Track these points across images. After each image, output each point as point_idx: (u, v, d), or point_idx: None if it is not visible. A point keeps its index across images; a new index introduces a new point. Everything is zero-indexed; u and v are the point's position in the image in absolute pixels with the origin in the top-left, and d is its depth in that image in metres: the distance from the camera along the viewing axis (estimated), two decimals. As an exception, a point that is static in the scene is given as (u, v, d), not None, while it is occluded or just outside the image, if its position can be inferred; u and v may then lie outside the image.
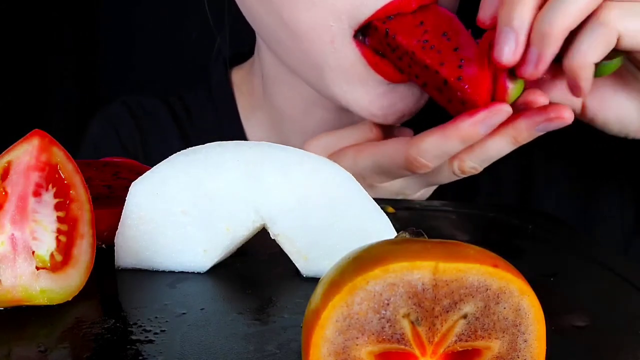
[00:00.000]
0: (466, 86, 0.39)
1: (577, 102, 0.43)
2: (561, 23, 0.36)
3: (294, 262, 0.32)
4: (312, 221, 0.32)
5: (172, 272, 0.33)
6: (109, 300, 0.30)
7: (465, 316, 0.20)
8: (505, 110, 0.39)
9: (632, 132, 0.44)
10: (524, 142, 0.42)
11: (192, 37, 0.60)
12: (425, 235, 0.23)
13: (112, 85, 0.92)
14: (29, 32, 0.88)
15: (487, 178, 0.50)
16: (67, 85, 0.92)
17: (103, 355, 0.24)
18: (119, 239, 0.32)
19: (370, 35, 0.44)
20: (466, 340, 0.20)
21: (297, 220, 0.32)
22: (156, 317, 0.27)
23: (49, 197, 0.29)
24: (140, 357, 0.24)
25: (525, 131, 0.41)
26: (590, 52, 0.37)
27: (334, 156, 0.48)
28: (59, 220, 0.29)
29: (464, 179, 0.48)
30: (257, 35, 0.58)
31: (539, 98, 0.41)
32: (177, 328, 0.27)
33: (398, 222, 0.32)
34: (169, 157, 0.32)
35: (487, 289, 0.20)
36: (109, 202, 0.35)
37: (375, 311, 0.20)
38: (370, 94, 0.46)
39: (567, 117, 0.40)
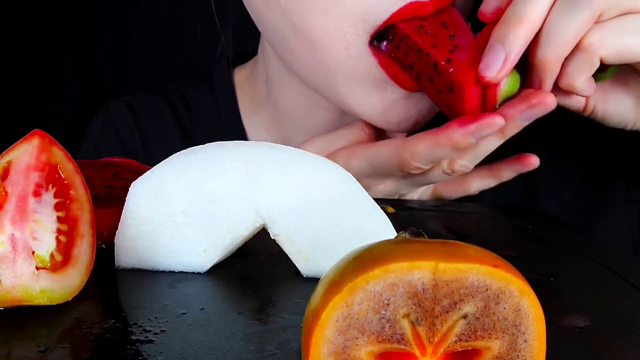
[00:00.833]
0: (451, 69, 0.39)
1: (580, 98, 0.43)
2: (557, 54, 0.38)
3: (294, 262, 0.32)
4: (312, 221, 0.32)
5: (172, 272, 0.33)
6: (109, 300, 0.30)
7: (465, 316, 0.20)
8: (497, 121, 0.39)
9: (630, 123, 0.45)
10: (511, 134, 0.42)
11: (198, 34, 0.60)
12: (425, 235, 0.23)
13: (112, 85, 0.92)
14: (29, 32, 0.88)
15: None
16: (67, 85, 0.92)
17: (103, 355, 0.24)
18: (119, 239, 0.32)
19: (387, 40, 0.43)
20: (466, 340, 0.20)
21: (297, 220, 0.32)
22: (156, 317, 0.27)
23: (49, 197, 0.29)
24: (140, 357, 0.24)
25: (510, 124, 0.41)
26: (575, 75, 0.39)
27: (327, 158, 0.48)
28: (59, 220, 0.29)
29: None
30: (262, 37, 0.58)
31: (547, 98, 0.40)
32: (177, 328, 0.27)
33: (398, 222, 0.32)
34: (169, 157, 0.32)
35: (487, 289, 0.20)
36: (109, 202, 0.35)
37: (375, 311, 0.20)
38: (386, 100, 0.45)
39: (550, 102, 0.40)
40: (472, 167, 0.45)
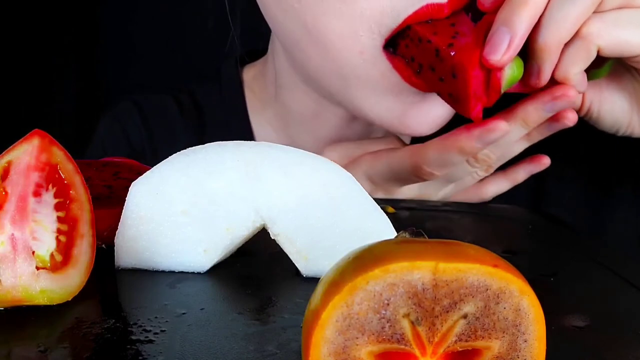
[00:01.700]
0: (453, 53, 0.39)
1: (577, 97, 0.44)
2: (557, 38, 0.38)
3: (294, 262, 0.32)
4: (312, 221, 0.32)
5: (172, 272, 0.33)
6: (109, 300, 0.30)
7: (465, 316, 0.20)
8: (501, 126, 0.40)
9: (623, 126, 0.45)
10: (534, 125, 0.43)
11: (208, 27, 0.59)
12: (425, 235, 0.23)
13: (112, 85, 0.92)
14: (30, 32, 0.88)
15: None
16: (67, 85, 0.92)
17: (103, 355, 0.24)
18: (119, 239, 0.32)
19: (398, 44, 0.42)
20: (466, 340, 0.20)
21: (297, 220, 0.32)
22: (156, 317, 0.27)
23: (49, 197, 0.29)
24: (140, 357, 0.24)
25: (533, 112, 0.42)
26: (571, 65, 0.39)
27: (352, 163, 0.48)
28: (59, 220, 0.29)
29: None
30: (272, 36, 0.58)
31: (570, 91, 0.41)
32: (177, 328, 0.27)
33: (398, 222, 0.32)
34: (169, 157, 0.32)
35: (487, 289, 0.20)
36: (109, 202, 0.35)
37: (375, 311, 0.20)
38: (401, 104, 0.45)
39: (572, 95, 0.41)
40: (495, 158, 0.45)
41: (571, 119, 0.43)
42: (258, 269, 0.34)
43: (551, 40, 0.38)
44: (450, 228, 0.43)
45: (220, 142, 0.32)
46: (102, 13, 0.91)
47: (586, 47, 0.38)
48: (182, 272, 0.33)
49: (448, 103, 0.42)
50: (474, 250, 0.21)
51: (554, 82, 0.41)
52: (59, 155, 0.30)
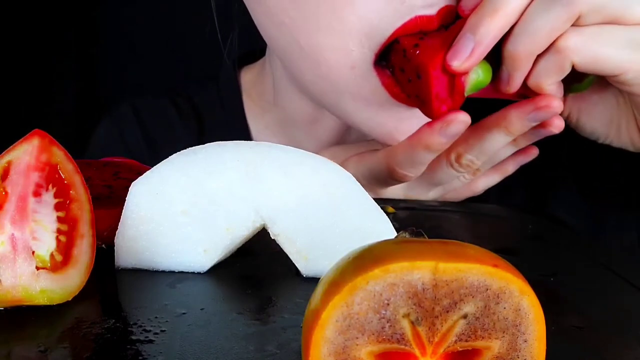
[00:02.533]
0: (417, 52, 0.39)
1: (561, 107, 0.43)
2: (528, 49, 0.38)
3: (294, 262, 0.32)
4: (312, 221, 0.32)
5: (172, 272, 0.33)
6: (109, 300, 0.30)
7: (465, 316, 0.20)
8: (460, 117, 0.39)
9: (602, 137, 0.45)
10: (518, 134, 0.42)
11: (206, 30, 0.59)
12: (425, 235, 0.23)
13: (112, 85, 0.92)
14: (29, 32, 0.88)
15: (497, 186, 0.51)
16: (67, 85, 0.92)
17: (103, 355, 0.24)
18: (119, 239, 0.32)
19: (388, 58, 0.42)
20: (466, 340, 0.20)
21: (297, 220, 0.32)
22: (156, 317, 0.27)
23: (49, 197, 0.29)
24: (140, 357, 0.24)
25: (516, 121, 0.41)
26: (544, 76, 0.39)
27: (341, 164, 0.48)
28: (59, 220, 0.29)
29: None
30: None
31: (553, 102, 0.40)
32: (177, 328, 0.27)
33: (398, 222, 0.32)
34: (169, 157, 0.32)
35: (487, 289, 0.20)
36: (109, 202, 0.35)
37: (375, 311, 0.20)
38: (393, 119, 0.45)
39: (556, 106, 0.40)
40: (481, 163, 0.45)
41: (557, 126, 0.42)
42: (258, 269, 0.34)
43: (521, 51, 0.38)
44: (450, 228, 0.43)
45: (220, 142, 0.32)
46: (102, 13, 0.91)
47: (560, 61, 0.38)
48: (182, 272, 0.33)
49: (416, 106, 0.42)
50: (474, 250, 0.21)
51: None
52: (59, 155, 0.30)
